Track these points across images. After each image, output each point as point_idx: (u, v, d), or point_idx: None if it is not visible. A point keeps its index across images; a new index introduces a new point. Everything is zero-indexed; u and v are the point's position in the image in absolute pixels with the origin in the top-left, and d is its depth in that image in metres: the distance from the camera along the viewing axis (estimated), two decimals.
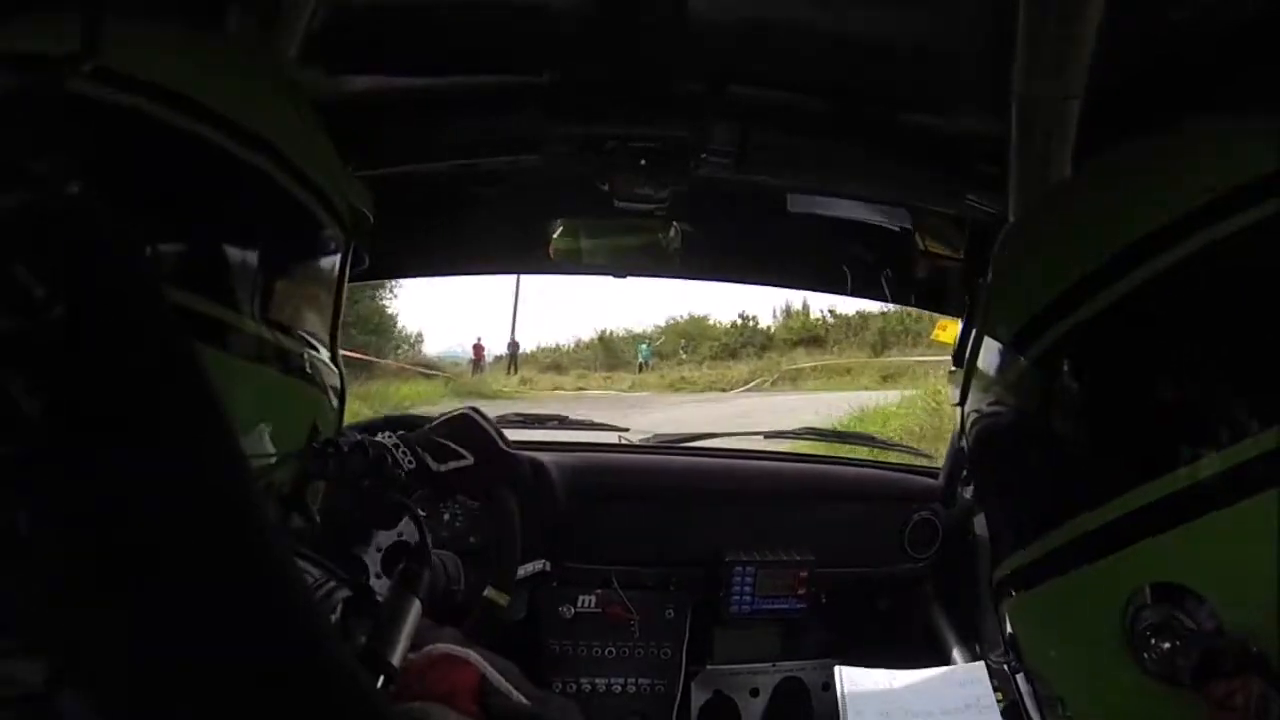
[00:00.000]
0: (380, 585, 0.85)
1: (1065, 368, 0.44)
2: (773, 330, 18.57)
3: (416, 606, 0.57)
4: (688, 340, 19.09)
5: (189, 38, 0.55)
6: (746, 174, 1.05)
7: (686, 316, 19.61)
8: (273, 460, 0.55)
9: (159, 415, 0.33)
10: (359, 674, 0.38)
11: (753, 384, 15.33)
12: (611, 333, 19.59)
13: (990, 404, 0.50)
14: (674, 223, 1.22)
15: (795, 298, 18.01)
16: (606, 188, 1.04)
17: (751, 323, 18.89)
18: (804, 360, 16.14)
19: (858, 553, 1.47)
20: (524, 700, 0.54)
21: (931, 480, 1.52)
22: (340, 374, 0.63)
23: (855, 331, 16.74)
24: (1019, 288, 0.49)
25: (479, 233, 1.34)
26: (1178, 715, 0.39)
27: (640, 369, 17.80)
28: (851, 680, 1.16)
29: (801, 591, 1.40)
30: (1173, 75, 0.79)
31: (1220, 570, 0.38)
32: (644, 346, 18.70)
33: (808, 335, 17.66)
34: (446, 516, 1.25)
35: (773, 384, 15.04)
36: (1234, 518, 0.37)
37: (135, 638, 0.30)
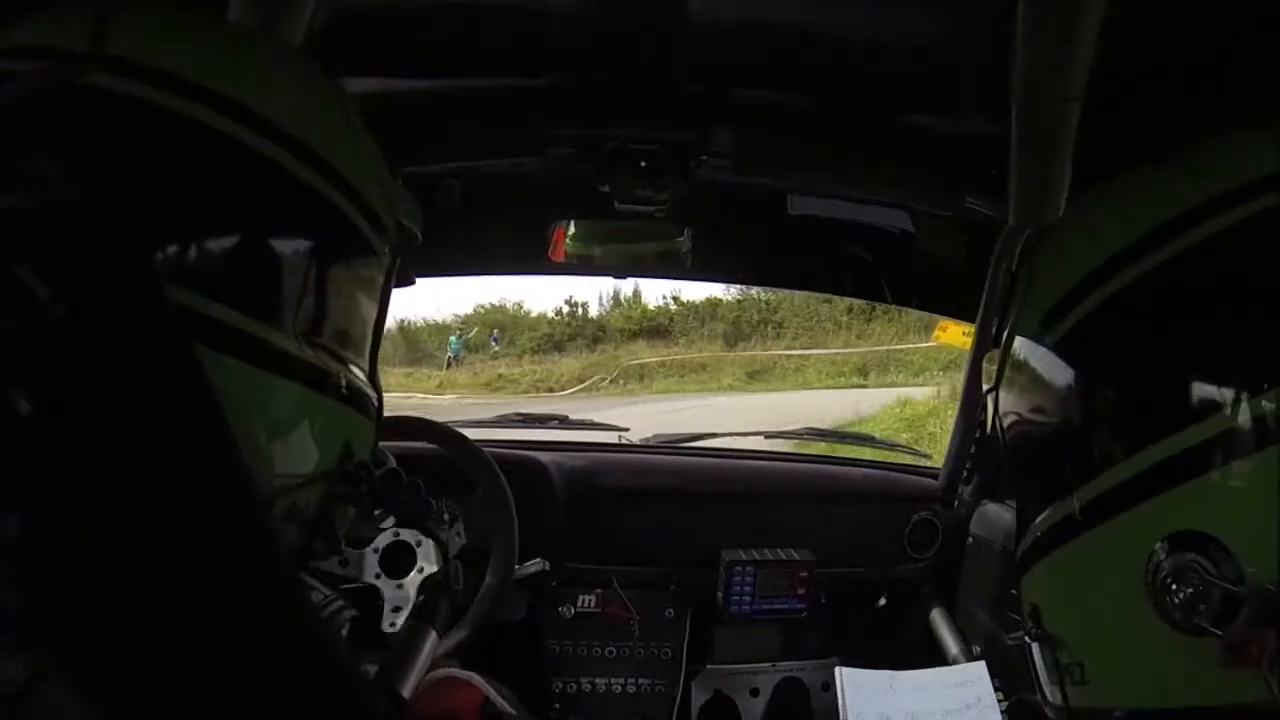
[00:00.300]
0: (382, 585, 0.86)
1: (1094, 333, 0.46)
2: (605, 319, 16.24)
3: (433, 638, 0.56)
4: (502, 331, 16.75)
5: (243, 42, 0.55)
6: (746, 176, 1.05)
7: (499, 302, 17.20)
8: (301, 480, 0.54)
9: (154, 422, 0.33)
10: (363, 695, 0.38)
11: (588, 382, 13.64)
12: (411, 322, 16.45)
13: (1022, 386, 0.52)
14: (685, 227, 1.22)
15: (626, 284, 15.60)
16: (607, 189, 1.04)
17: (579, 310, 16.58)
18: (646, 354, 14.35)
19: (858, 553, 1.47)
20: None
21: (931, 481, 1.52)
22: (379, 394, 0.61)
23: (703, 321, 15.04)
24: (1060, 263, 0.51)
25: (479, 235, 1.34)
26: (1197, 667, 0.40)
27: (449, 365, 15.42)
28: (852, 681, 1.16)
29: (801, 591, 1.40)
30: (1173, 77, 0.79)
31: (1241, 519, 0.38)
32: (454, 339, 16.10)
33: (649, 325, 15.62)
34: (446, 517, 1.25)
35: (612, 382, 13.41)
36: (1255, 466, 0.38)
37: (125, 647, 0.30)
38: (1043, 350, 0.50)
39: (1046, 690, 0.52)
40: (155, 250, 0.44)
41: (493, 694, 0.53)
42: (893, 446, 1.83)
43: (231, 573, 0.33)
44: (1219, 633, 0.38)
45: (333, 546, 0.57)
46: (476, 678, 0.53)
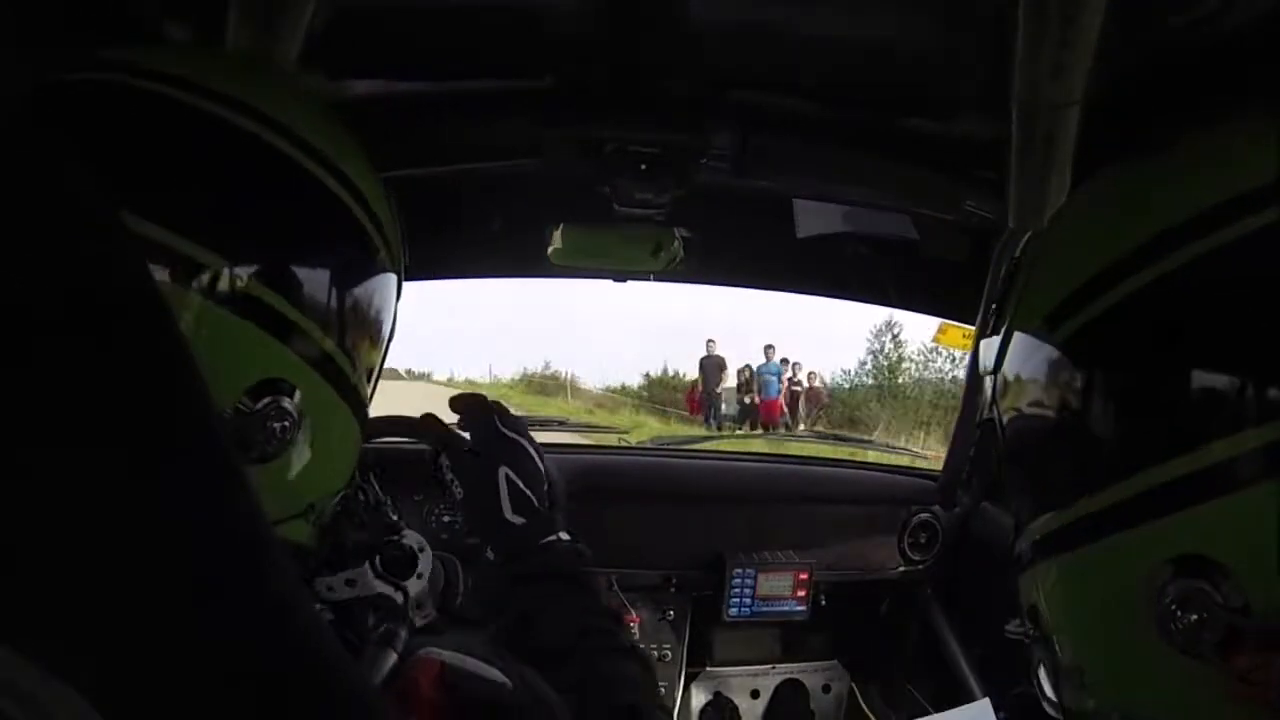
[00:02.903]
0: (391, 591, 0.85)
1: (1109, 338, 0.44)
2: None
3: (393, 661, 0.56)
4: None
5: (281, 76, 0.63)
6: (746, 178, 1.05)
7: (547, 370, 17.98)
8: (328, 497, 0.59)
9: (153, 424, 0.33)
10: (356, 672, 0.38)
11: None
12: (455, 380, 17.12)
13: (1027, 373, 0.50)
14: (676, 230, 1.22)
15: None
16: (606, 192, 1.04)
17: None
18: None
19: (857, 555, 1.47)
20: (495, 673, 0.52)
21: (931, 482, 1.52)
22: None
23: None
24: (1064, 262, 0.49)
25: (478, 237, 1.34)
26: (1198, 688, 0.39)
27: None
28: None
29: (801, 593, 1.40)
30: (1173, 80, 0.79)
31: (1250, 547, 0.38)
32: None
33: None
34: (447, 519, 1.25)
35: None
36: (1269, 494, 0.37)
37: (123, 646, 0.30)
38: (1048, 347, 0.48)
39: (1046, 688, 0.52)
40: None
41: (450, 655, 0.52)
42: (893, 448, 1.83)
43: (233, 569, 0.33)
44: (1223, 660, 0.38)
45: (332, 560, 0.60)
46: (430, 650, 0.53)
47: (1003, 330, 0.53)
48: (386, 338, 0.64)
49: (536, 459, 0.73)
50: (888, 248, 1.33)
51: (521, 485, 0.71)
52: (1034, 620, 0.51)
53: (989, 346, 0.55)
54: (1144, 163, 0.49)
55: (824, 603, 1.45)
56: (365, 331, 0.59)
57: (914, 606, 1.51)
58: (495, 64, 0.97)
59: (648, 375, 16.98)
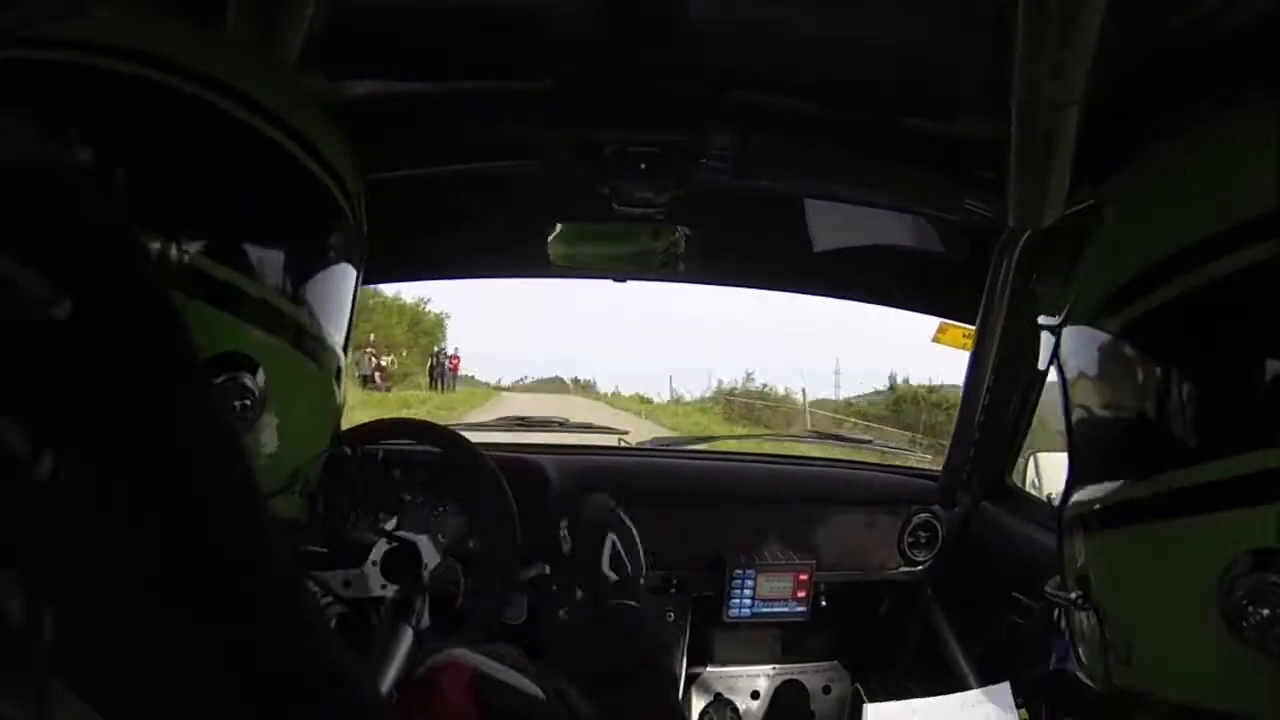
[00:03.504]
0: (390, 593, 0.85)
1: (1197, 323, 0.43)
2: None
3: (409, 636, 0.56)
4: None
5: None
6: (746, 178, 1.05)
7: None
8: (311, 461, 0.57)
9: (156, 416, 0.33)
10: (357, 672, 0.38)
11: None
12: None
13: (1107, 337, 0.49)
14: (679, 228, 1.22)
15: None
16: (606, 192, 1.04)
17: None
18: None
19: (858, 555, 1.47)
20: (527, 683, 0.53)
21: (931, 483, 1.52)
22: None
23: None
24: (1170, 220, 0.47)
25: (478, 237, 1.34)
26: (1257, 680, 0.39)
27: None
28: (878, 714, 1.17)
29: (802, 594, 1.40)
30: (1173, 80, 0.79)
31: None
32: None
33: None
34: (451, 524, 1.25)
35: None
36: None
37: (123, 645, 0.30)
38: (1137, 315, 0.46)
39: (1085, 659, 0.51)
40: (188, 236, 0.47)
41: (484, 661, 0.52)
42: (893, 449, 1.83)
43: (233, 571, 0.33)
44: None
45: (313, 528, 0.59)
46: (461, 652, 0.52)
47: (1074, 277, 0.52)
48: (353, 290, 0.61)
49: (636, 541, 0.93)
50: (888, 247, 1.33)
51: (621, 551, 0.89)
52: (1083, 588, 0.50)
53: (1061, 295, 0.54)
54: (1216, 143, 0.47)
55: (824, 603, 1.45)
56: (332, 288, 0.57)
57: (914, 606, 1.51)
58: (495, 64, 0.97)
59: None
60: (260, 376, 0.50)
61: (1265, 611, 0.38)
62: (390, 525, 0.92)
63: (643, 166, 1.00)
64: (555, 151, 1.02)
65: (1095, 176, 0.88)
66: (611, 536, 0.90)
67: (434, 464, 1.19)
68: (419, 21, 0.87)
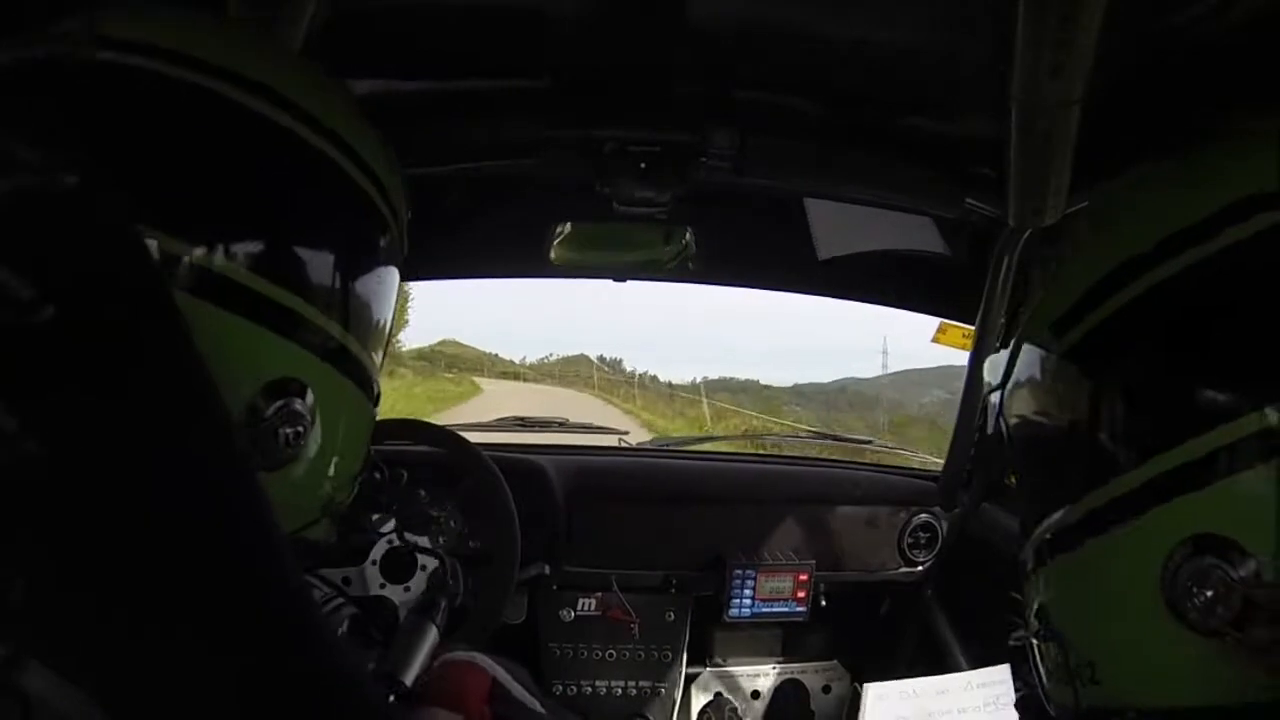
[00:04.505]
0: (390, 593, 0.85)
1: (1109, 339, 0.45)
2: None
3: (433, 634, 0.56)
4: None
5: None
6: (746, 177, 1.05)
7: None
8: (349, 479, 0.55)
9: (149, 424, 0.32)
10: (365, 683, 0.38)
11: None
12: None
13: (1037, 378, 0.52)
14: (687, 229, 1.21)
15: None
16: (606, 191, 1.04)
17: None
18: None
19: (858, 556, 1.47)
20: (538, 707, 0.53)
21: (931, 484, 1.52)
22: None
23: None
24: (1071, 273, 0.50)
25: (478, 237, 1.34)
26: (1213, 668, 0.40)
27: None
28: (877, 694, 1.17)
29: (801, 594, 1.40)
30: (1173, 80, 0.79)
31: (1262, 522, 0.38)
32: None
33: None
34: (451, 523, 1.25)
35: None
36: (1277, 469, 0.37)
37: (124, 645, 0.30)
38: (1054, 354, 0.50)
39: (1050, 689, 0.52)
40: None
41: (501, 674, 0.52)
42: (893, 449, 1.83)
43: (235, 572, 0.33)
44: (1239, 634, 0.38)
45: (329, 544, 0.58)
46: (483, 658, 0.53)
47: (1011, 343, 0.55)
48: (392, 308, 0.60)
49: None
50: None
51: None
52: (1042, 620, 0.51)
53: (994, 363, 0.56)
54: (1148, 171, 0.51)
55: (824, 603, 1.45)
56: (375, 308, 0.55)
57: (914, 607, 1.51)
58: (495, 64, 0.97)
59: None
60: (310, 398, 0.48)
61: (1209, 593, 0.39)
62: (390, 526, 0.92)
63: (643, 166, 1.00)
64: (555, 151, 1.01)
65: (1097, 175, 0.89)
66: None
67: (434, 464, 1.19)
68: (419, 21, 0.87)
